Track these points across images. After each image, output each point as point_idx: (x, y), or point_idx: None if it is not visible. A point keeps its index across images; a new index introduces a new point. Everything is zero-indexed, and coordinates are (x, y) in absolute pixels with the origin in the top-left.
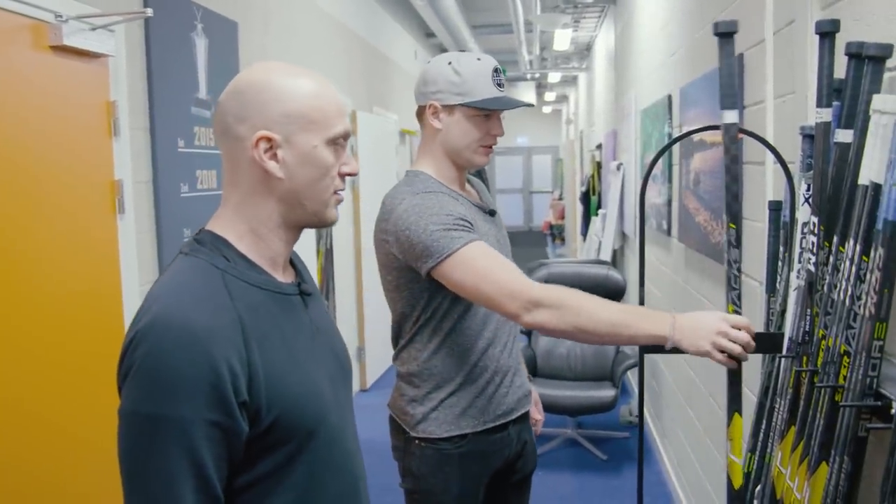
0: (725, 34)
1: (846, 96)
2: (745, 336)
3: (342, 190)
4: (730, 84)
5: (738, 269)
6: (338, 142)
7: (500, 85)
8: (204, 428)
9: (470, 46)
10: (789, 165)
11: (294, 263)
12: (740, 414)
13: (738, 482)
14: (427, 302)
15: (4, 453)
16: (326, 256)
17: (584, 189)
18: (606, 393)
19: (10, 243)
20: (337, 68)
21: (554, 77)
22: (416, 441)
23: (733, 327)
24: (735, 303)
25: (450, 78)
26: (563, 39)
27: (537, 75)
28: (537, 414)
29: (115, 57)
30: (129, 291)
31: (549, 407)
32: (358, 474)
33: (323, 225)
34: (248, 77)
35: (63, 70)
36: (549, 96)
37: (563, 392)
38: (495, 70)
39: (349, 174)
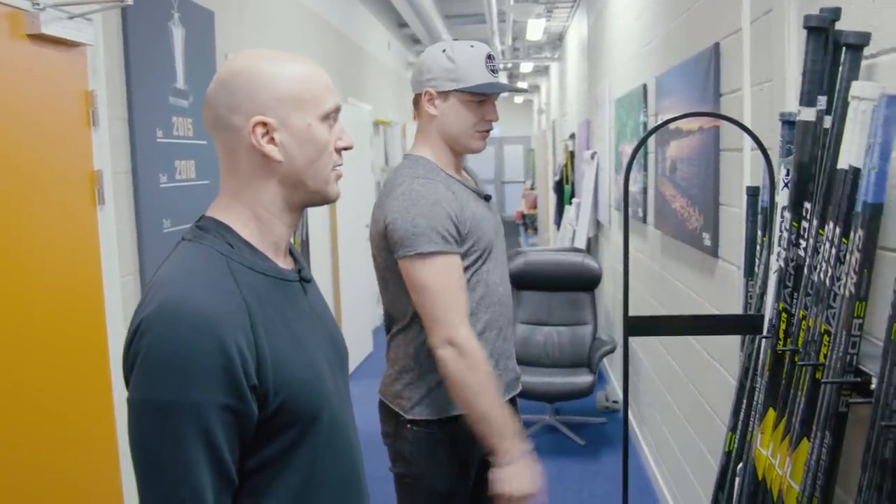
0: (816, 28)
1: (817, 81)
2: None
3: (340, 165)
4: (813, 80)
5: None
6: (330, 117)
7: (493, 70)
8: (217, 412)
9: (443, 37)
10: (769, 151)
11: (292, 251)
12: (775, 409)
13: (760, 473)
14: None
15: None
16: (303, 247)
17: (557, 178)
18: (584, 379)
19: None
20: (312, 59)
21: (526, 67)
22: (409, 425)
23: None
24: None
25: (444, 65)
26: (535, 29)
27: (510, 65)
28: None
29: (94, 46)
30: (110, 282)
31: (527, 393)
32: (357, 458)
33: (326, 201)
34: (233, 67)
35: (41, 59)
36: (521, 86)
37: (541, 378)
38: (489, 56)
39: (345, 148)
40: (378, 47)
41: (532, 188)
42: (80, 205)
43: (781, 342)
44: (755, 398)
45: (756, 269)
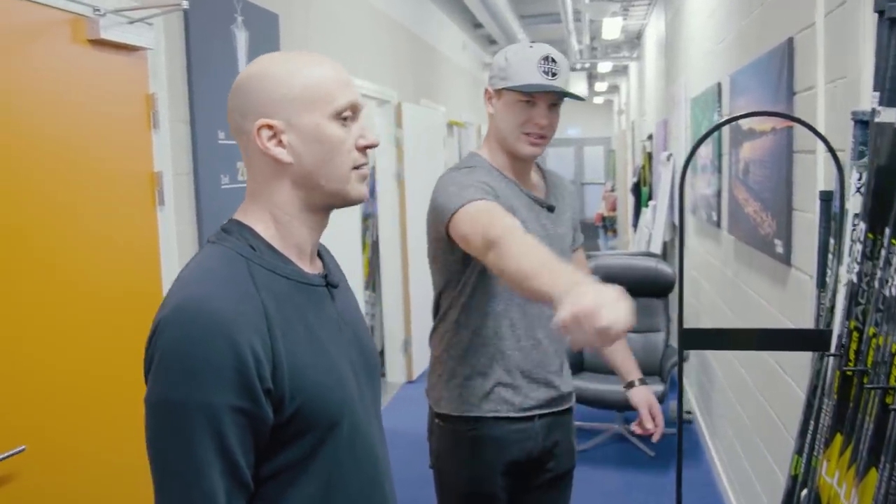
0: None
1: None
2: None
3: (364, 164)
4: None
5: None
6: (343, 115)
7: (547, 73)
8: (231, 414)
9: (519, 37)
10: (840, 153)
11: (322, 255)
12: (842, 433)
13: (824, 502)
14: (458, 275)
15: (50, 447)
16: (373, 249)
17: (635, 180)
18: (655, 388)
19: (51, 237)
20: (382, 60)
21: (605, 67)
22: (437, 419)
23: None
24: None
25: (500, 63)
26: (612, 28)
27: (587, 65)
28: (648, 423)
29: (154, 50)
30: (170, 282)
31: (596, 401)
32: (381, 469)
33: (347, 203)
34: (246, 72)
35: (101, 63)
36: (601, 86)
37: (611, 387)
38: (545, 58)
39: (367, 146)
40: (452, 48)
41: (612, 190)
42: (140, 206)
43: (851, 362)
44: (821, 420)
45: (827, 279)
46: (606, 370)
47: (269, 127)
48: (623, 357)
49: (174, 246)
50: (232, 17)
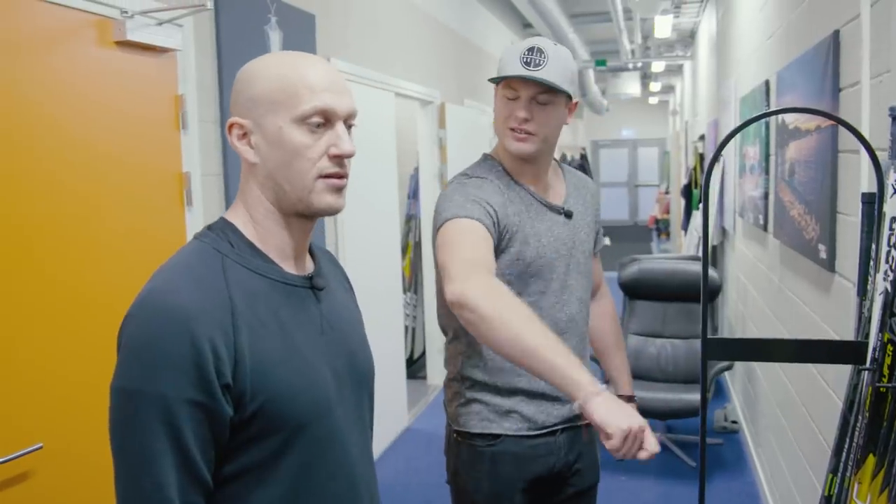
0: None
1: None
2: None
3: (332, 172)
4: None
5: None
6: (312, 121)
7: (529, 63)
8: (185, 407)
9: (569, 37)
10: (882, 153)
11: (316, 257)
12: (875, 454)
13: None
14: None
15: (66, 445)
16: (415, 250)
17: (686, 182)
18: (697, 396)
19: (78, 237)
20: (424, 61)
21: (658, 66)
22: (455, 436)
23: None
24: None
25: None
26: (663, 26)
27: (640, 65)
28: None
29: (183, 51)
30: None
31: (638, 409)
32: (359, 481)
33: (314, 212)
34: (239, 72)
35: (129, 65)
36: (655, 87)
37: (652, 394)
38: (529, 49)
39: (337, 156)
40: (500, 48)
41: (666, 192)
42: (168, 206)
43: (885, 377)
44: (855, 439)
45: (868, 286)
46: (649, 376)
47: (240, 126)
48: (620, 370)
49: None
50: (265, 17)
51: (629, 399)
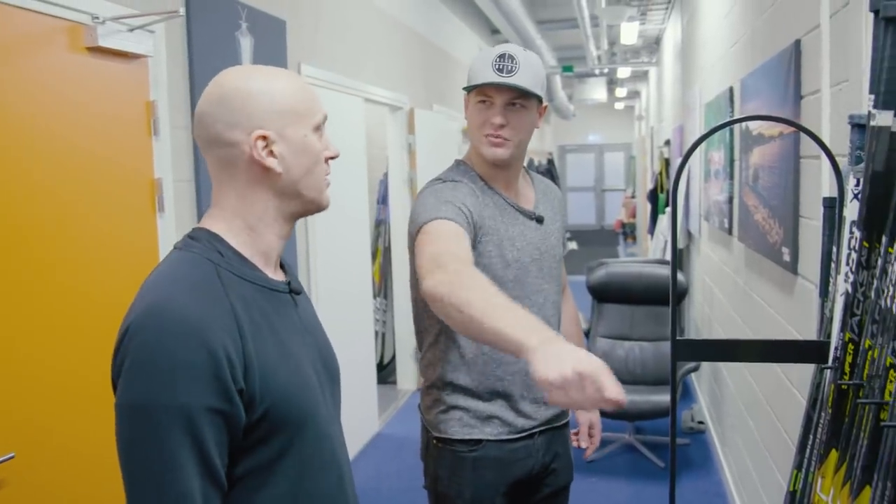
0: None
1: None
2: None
3: (328, 174)
4: (890, 78)
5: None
6: (321, 127)
7: (501, 70)
8: (206, 415)
9: (537, 43)
10: (842, 158)
11: (283, 264)
12: (837, 449)
13: None
14: None
15: (40, 454)
16: (385, 255)
17: (652, 186)
18: (665, 397)
19: (49, 243)
20: (394, 67)
21: (624, 72)
22: (435, 441)
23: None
24: None
25: (469, 67)
26: (630, 33)
27: (606, 71)
28: (584, 442)
29: (154, 57)
30: None
31: (607, 411)
32: (344, 472)
33: (320, 209)
34: (227, 85)
35: (101, 71)
36: (621, 92)
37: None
38: (501, 56)
39: (332, 157)
40: (468, 54)
41: (632, 196)
42: (140, 213)
43: (846, 375)
44: (818, 435)
45: (830, 288)
46: (618, 378)
47: (264, 138)
48: None
49: None
50: (236, 23)
51: None
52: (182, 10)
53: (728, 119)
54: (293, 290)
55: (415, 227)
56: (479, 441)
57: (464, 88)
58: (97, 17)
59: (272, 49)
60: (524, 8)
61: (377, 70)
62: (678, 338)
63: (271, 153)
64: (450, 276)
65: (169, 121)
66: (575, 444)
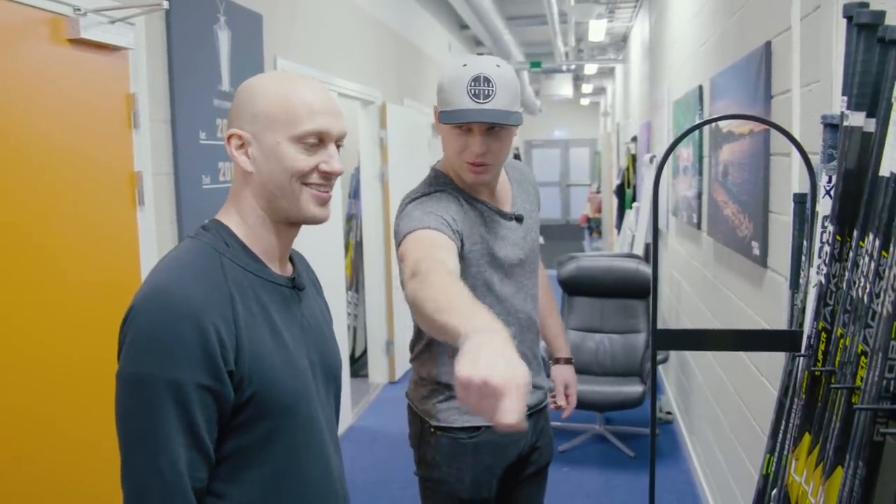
0: (865, 25)
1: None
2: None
3: (321, 187)
4: (860, 81)
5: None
6: (306, 140)
7: (478, 96)
8: (196, 391)
9: (505, 38)
10: (813, 156)
11: (294, 261)
12: (810, 433)
13: (794, 501)
14: None
15: (26, 444)
16: (356, 250)
17: (619, 182)
18: (635, 388)
19: (30, 235)
20: (366, 61)
21: (591, 69)
22: (433, 430)
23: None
24: None
25: (440, 85)
26: (598, 30)
27: (573, 67)
28: (560, 401)
29: (135, 50)
30: None
31: (577, 402)
32: (332, 467)
33: (305, 221)
34: (242, 84)
35: (82, 63)
36: (587, 88)
37: (591, 387)
38: (475, 79)
39: (327, 172)
40: (438, 49)
41: (598, 191)
42: (120, 206)
43: (819, 362)
44: (791, 420)
45: (801, 280)
46: (588, 370)
47: (238, 137)
48: (555, 333)
49: (154, 246)
50: (215, 16)
51: (567, 361)
52: (166, 3)
53: (702, 117)
54: (296, 286)
55: (398, 238)
56: (479, 427)
57: (442, 120)
58: (79, 9)
59: (249, 43)
60: (494, 4)
61: (350, 64)
62: (650, 329)
63: (246, 153)
64: (419, 279)
65: (149, 114)
66: (552, 406)
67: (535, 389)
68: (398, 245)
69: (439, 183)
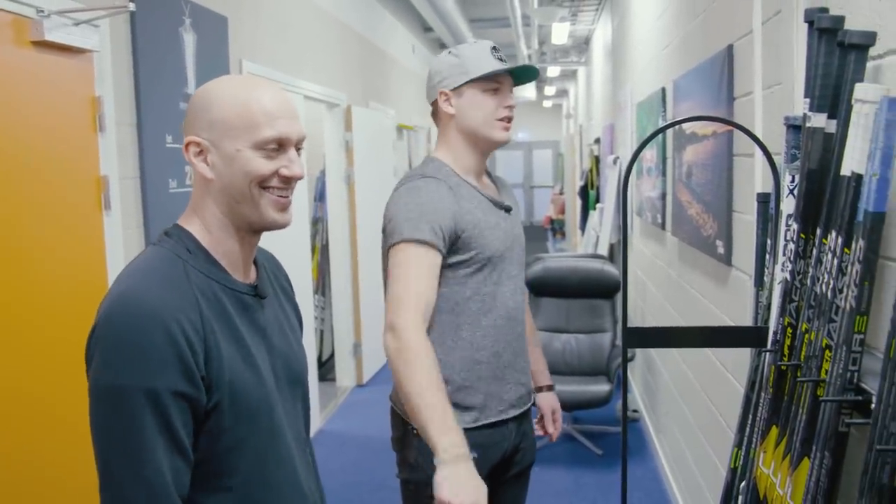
0: (825, 30)
1: (830, 85)
2: None
3: (281, 191)
4: (821, 83)
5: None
6: (267, 146)
7: (501, 59)
8: (172, 398)
9: (468, 40)
10: (776, 157)
11: (259, 266)
12: (777, 425)
13: (762, 493)
14: None
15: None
16: (322, 253)
17: (582, 183)
18: (602, 387)
19: None
20: (331, 64)
21: (553, 71)
22: (415, 432)
23: None
24: None
25: (451, 62)
26: (560, 33)
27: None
28: (549, 427)
29: (100, 52)
30: None
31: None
32: (299, 472)
33: (266, 227)
34: (197, 91)
35: (46, 65)
36: (549, 91)
37: (559, 387)
38: (493, 48)
39: (287, 177)
40: (402, 52)
41: (561, 193)
42: (86, 210)
43: (785, 357)
44: (759, 414)
45: (765, 278)
46: (555, 370)
47: (197, 144)
48: (536, 360)
49: (120, 251)
50: (180, 19)
51: (549, 388)
52: (132, 5)
53: (665, 118)
54: (258, 294)
55: (393, 237)
56: (464, 430)
57: (469, 82)
58: (42, 11)
59: (214, 46)
60: (457, 6)
61: (315, 67)
62: (617, 328)
63: (206, 160)
64: (400, 344)
65: (114, 117)
66: (540, 431)
67: (518, 386)
68: (390, 245)
69: (434, 167)
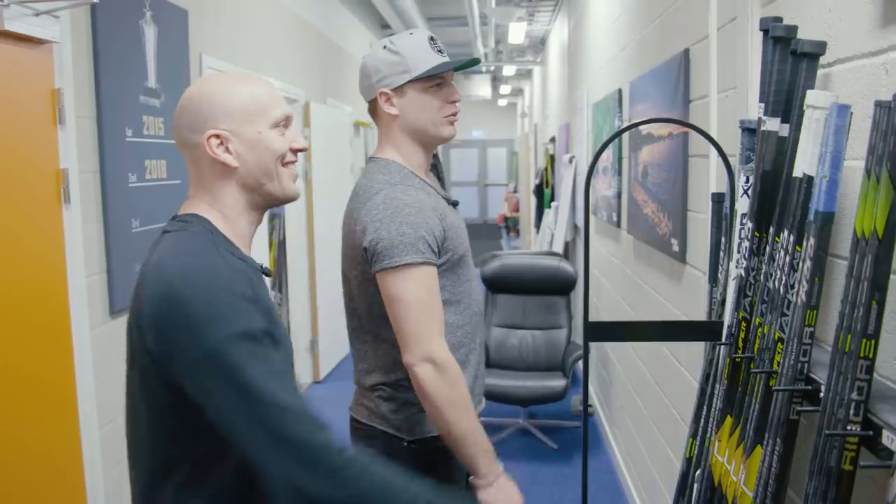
0: (779, 38)
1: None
2: None
3: (293, 164)
4: (775, 89)
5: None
6: (280, 124)
7: (441, 51)
8: (267, 338)
9: (403, 32)
10: (731, 158)
11: None
12: (731, 415)
13: (717, 480)
14: None
15: None
16: (279, 248)
17: (537, 182)
18: (557, 383)
19: None
20: (290, 59)
21: (509, 70)
22: (405, 443)
23: None
24: None
25: (390, 60)
26: (517, 33)
27: (492, 68)
28: None
29: (60, 43)
30: (75, 282)
31: (502, 397)
32: None
33: (286, 200)
34: (192, 93)
35: (5, 56)
36: (505, 89)
37: (515, 382)
38: (430, 38)
39: (300, 149)
40: (360, 49)
41: (515, 191)
42: (45, 204)
43: (740, 350)
44: (713, 405)
45: (719, 275)
46: (511, 366)
47: (217, 136)
48: None
49: (80, 245)
50: (140, 11)
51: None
52: None
53: (621, 119)
54: (264, 272)
55: (387, 262)
56: (432, 438)
57: (412, 81)
58: (2, 0)
59: (175, 39)
60: (416, 4)
61: (274, 62)
62: (573, 324)
63: (227, 150)
64: (449, 376)
65: (74, 110)
66: None
67: (482, 398)
68: (386, 267)
69: (396, 172)
